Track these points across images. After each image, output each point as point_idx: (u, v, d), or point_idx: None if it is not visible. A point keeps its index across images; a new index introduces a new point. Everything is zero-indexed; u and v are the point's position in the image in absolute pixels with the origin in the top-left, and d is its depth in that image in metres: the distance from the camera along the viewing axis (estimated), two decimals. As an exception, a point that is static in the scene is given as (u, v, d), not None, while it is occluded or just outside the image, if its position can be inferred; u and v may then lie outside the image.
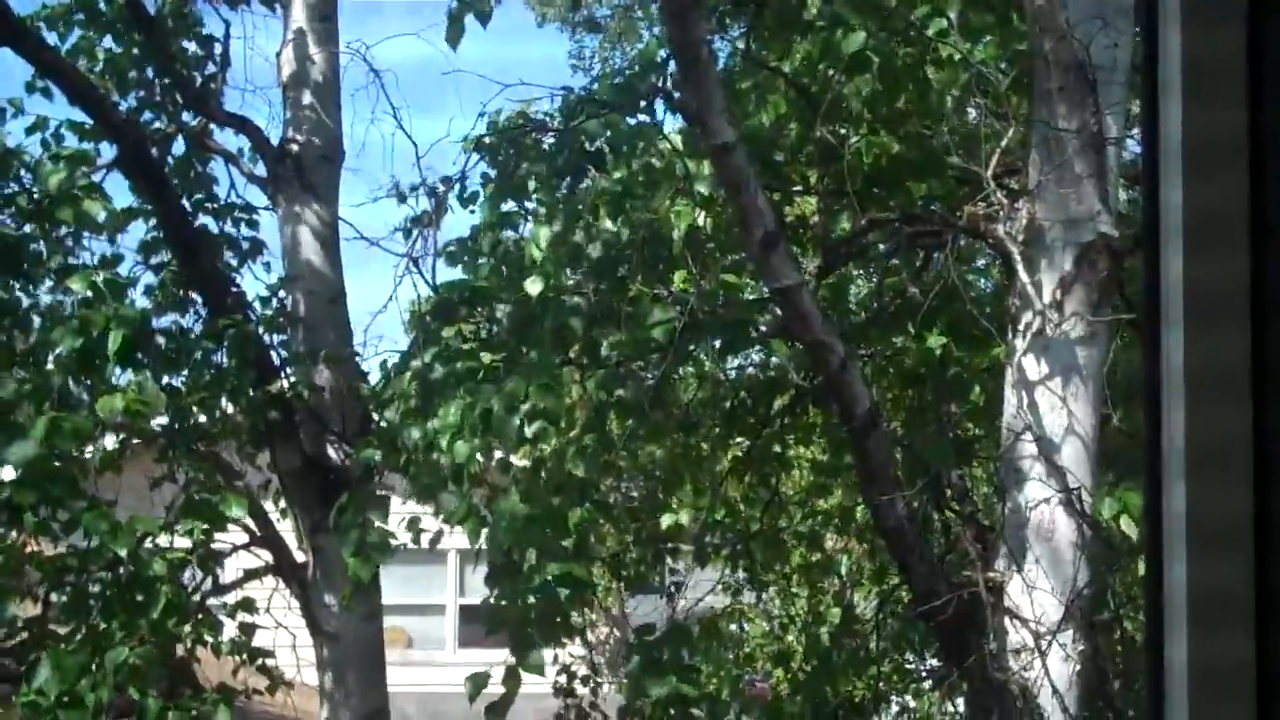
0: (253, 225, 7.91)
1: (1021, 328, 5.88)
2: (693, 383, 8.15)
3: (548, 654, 6.50)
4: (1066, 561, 5.70)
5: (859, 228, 6.78)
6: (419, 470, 6.35)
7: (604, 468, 7.43)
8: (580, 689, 7.20)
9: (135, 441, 7.14)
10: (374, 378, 7.53)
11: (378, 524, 6.61)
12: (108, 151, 7.52)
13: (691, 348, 6.73)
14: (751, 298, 7.37)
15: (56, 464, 6.59)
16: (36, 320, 7.14)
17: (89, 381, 6.72)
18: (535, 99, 7.17)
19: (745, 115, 6.93)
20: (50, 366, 6.72)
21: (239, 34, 8.61)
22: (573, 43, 20.14)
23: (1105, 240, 5.78)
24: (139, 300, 7.28)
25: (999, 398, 6.22)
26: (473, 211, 7.21)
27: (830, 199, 7.18)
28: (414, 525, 6.48)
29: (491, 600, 6.41)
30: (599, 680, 7.43)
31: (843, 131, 6.93)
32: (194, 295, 7.55)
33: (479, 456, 6.33)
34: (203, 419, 7.26)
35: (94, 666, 6.30)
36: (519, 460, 7.02)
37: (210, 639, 6.97)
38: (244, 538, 7.61)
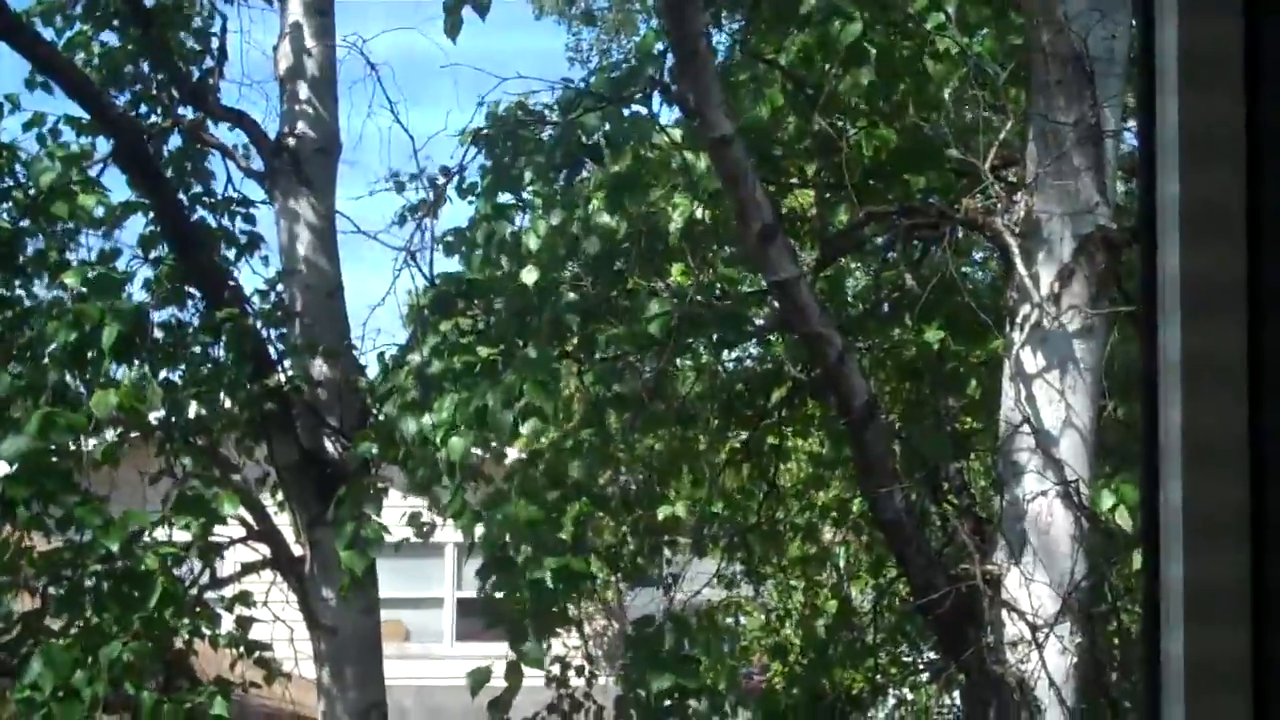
0: (249, 220, 7.91)
1: (1019, 320, 5.87)
2: (690, 376, 8.15)
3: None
4: (1064, 554, 5.70)
5: (857, 221, 6.77)
6: (415, 464, 6.36)
7: (602, 461, 7.43)
8: (575, 679, 7.20)
9: (133, 435, 7.13)
10: (372, 371, 7.54)
11: (373, 517, 6.61)
12: (104, 146, 7.52)
13: (689, 340, 6.72)
14: (749, 290, 7.37)
15: (53, 459, 6.59)
16: (33, 315, 7.13)
17: (86, 376, 6.72)
18: (533, 92, 7.17)
19: (742, 108, 6.92)
20: (46, 361, 6.72)
21: (235, 28, 8.62)
22: (570, 35, 20.12)
23: (1103, 233, 5.78)
24: (136, 295, 7.28)
25: (996, 391, 6.22)
26: (471, 203, 7.21)
27: (828, 192, 7.18)
28: (415, 520, 6.48)
29: (486, 590, 6.41)
30: (594, 671, 7.43)
31: (840, 124, 6.93)
32: (191, 289, 7.54)
33: (476, 451, 6.33)
34: (201, 413, 7.25)
35: (89, 661, 6.30)
36: (516, 452, 7.02)
37: (208, 631, 6.97)
38: (241, 532, 7.61)
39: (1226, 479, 1.18)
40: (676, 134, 7.00)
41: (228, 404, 7.31)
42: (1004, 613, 5.73)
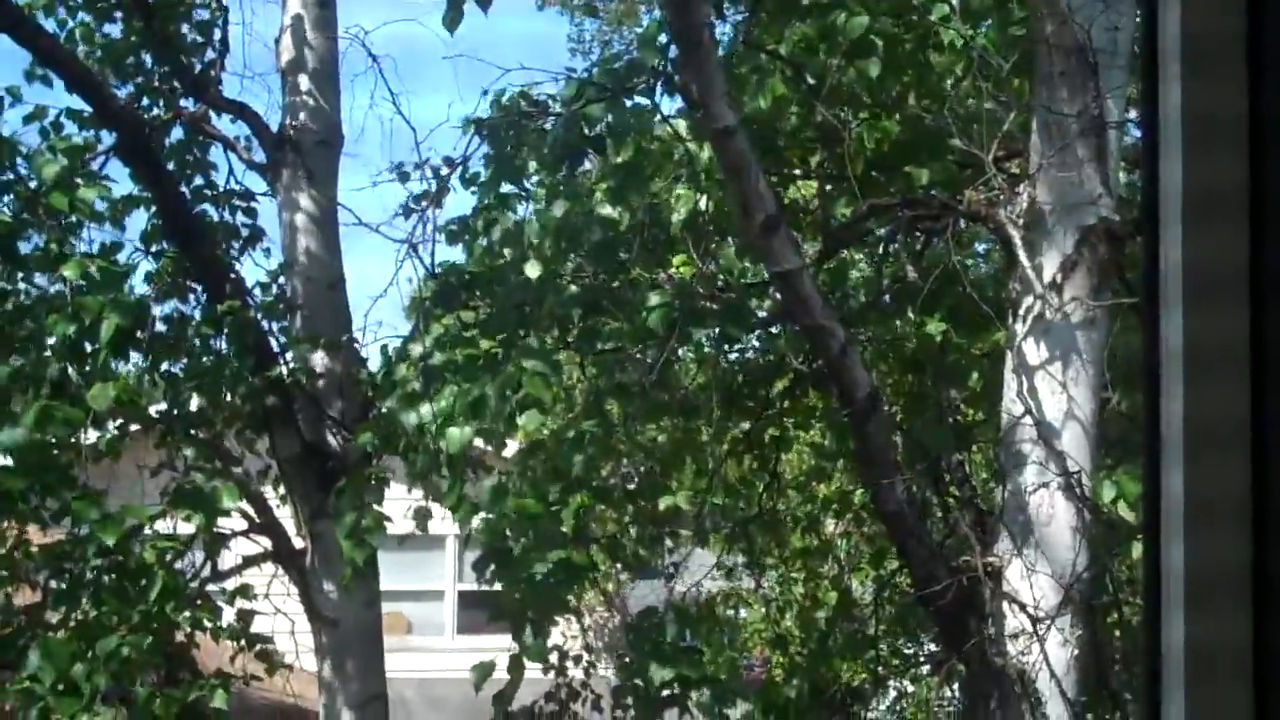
0: (251, 213, 7.90)
1: (1022, 312, 5.87)
2: (692, 367, 8.15)
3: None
4: (1065, 546, 5.70)
5: (859, 213, 6.77)
6: (414, 455, 6.35)
7: (604, 452, 7.43)
8: (572, 668, 7.20)
9: (135, 428, 7.13)
10: (373, 364, 7.53)
11: (374, 507, 6.61)
12: (106, 139, 7.51)
13: (691, 330, 6.72)
14: (751, 282, 7.36)
15: (54, 450, 6.59)
16: (34, 308, 7.13)
17: (86, 369, 6.72)
18: (536, 83, 7.17)
19: (745, 100, 6.91)
20: (47, 354, 6.72)
21: (237, 20, 8.60)
22: (572, 26, 20.10)
23: (1106, 224, 5.77)
24: (139, 287, 7.27)
25: (998, 382, 6.21)
26: (474, 193, 7.20)
27: (830, 183, 7.17)
28: (420, 514, 6.48)
29: (486, 580, 6.41)
30: (592, 660, 7.44)
31: (843, 114, 6.92)
32: (193, 283, 7.53)
33: (479, 443, 6.33)
34: (202, 405, 7.25)
35: (88, 654, 6.30)
36: (517, 445, 7.03)
37: (210, 624, 6.98)
38: (243, 524, 7.61)
39: (1228, 467, 1.18)
40: (680, 125, 6.99)
41: (229, 397, 7.31)
42: (1005, 604, 5.73)
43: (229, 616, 7.23)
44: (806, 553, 8.67)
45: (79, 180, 7.01)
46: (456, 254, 7.29)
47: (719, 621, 8.02)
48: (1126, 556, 5.98)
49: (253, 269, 18.26)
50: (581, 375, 7.85)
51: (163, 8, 7.76)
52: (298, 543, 7.68)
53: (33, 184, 7.09)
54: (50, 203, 6.88)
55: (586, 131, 6.83)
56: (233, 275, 7.66)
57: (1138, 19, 5.83)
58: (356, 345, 7.63)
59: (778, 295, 6.65)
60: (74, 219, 7.14)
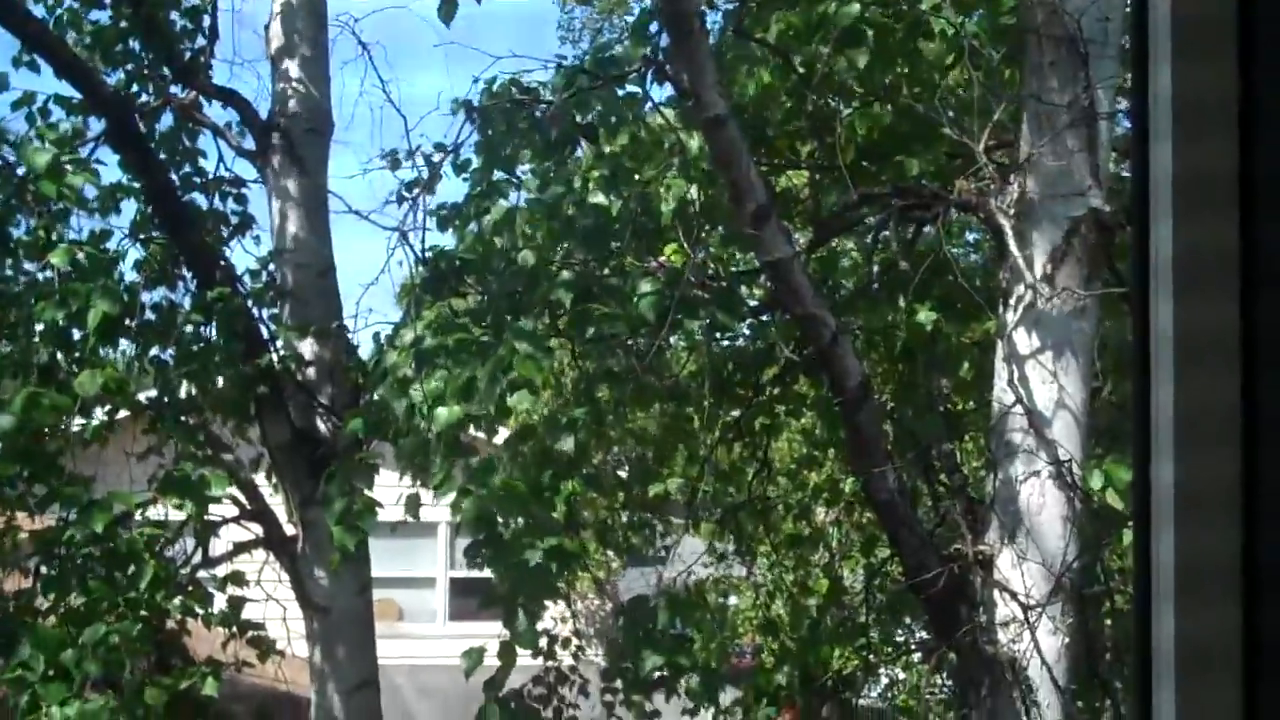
0: (241, 200, 7.87)
1: (1012, 301, 5.87)
2: (683, 355, 8.15)
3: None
4: (1056, 534, 5.71)
5: (850, 202, 6.76)
6: (404, 439, 6.34)
7: (594, 438, 7.43)
8: (560, 651, 7.21)
9: (122, 415, 7.12)
10: (364, 351, 7.52)
11: (365, 492, 6.60)
12: (95, 126, 7.48)
13: (680, 317, 6.72)
14: (742, 270, 7.36)
15: (45, 435, 6.58)
16: (22, 295, 7.10)
17: (75, 356, 6.71)
18: (527, 71, 7.15)
19: (737, 89, 6.90)
20: (36, 340, 6.70)
21: (226, 6, 8.57)
22: (563, 14, 20.03)
23: (1096, 214, 5.77)
24: (128, 275, 7.25)
25: (989, 371, 6.22)
26: (465, 179, 7.20)
27: (821, 173, 7.17)
28: (411, 501, 6.48)
29: (475, 566, 6.41)
30: (581, 645, 7.45)
31: (834, 103, 6.91)
32: (182, 270, 7.51)
33: (473, 433, 6.33)
34: (191, 392, 7.24)
35: (77, 641, 6.30)
36: (507, 430, 7.02)
37: (200, 611, 6.97)
38: (234, 511, 7.61)
39: (1219, 457, 1.17)
40: (670, 114, 6.98)
41: (220, 383, 7.29)
42: (996, 593, 5.75)
43: (220, 603, 7.22)
44: (797, 540, 8.67)
45: (68, 167, 6.99)
46: (448, 241, 7.28)
47: (709, 608, 8.01)
48: (1117, 545, 5.99)
49: (242, 256, 18.22)
50: (573, 362, 7.85)
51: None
52: (289, 529, 7.67)
53: (20, 170, 7.06)
54: (40, 189, 6.85)
55: (578, 119, 6.81)
56: (222, 262, 7.65)
57: (1127, 9, 5.83)
58: (347, 332, 7.63)
59: (769, 284, 6.65)
60: (62, 206, 7.11)
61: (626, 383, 7.10)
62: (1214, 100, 1.21)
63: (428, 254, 7.09)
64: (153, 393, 7.28)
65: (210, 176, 7.82)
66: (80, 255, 6.77)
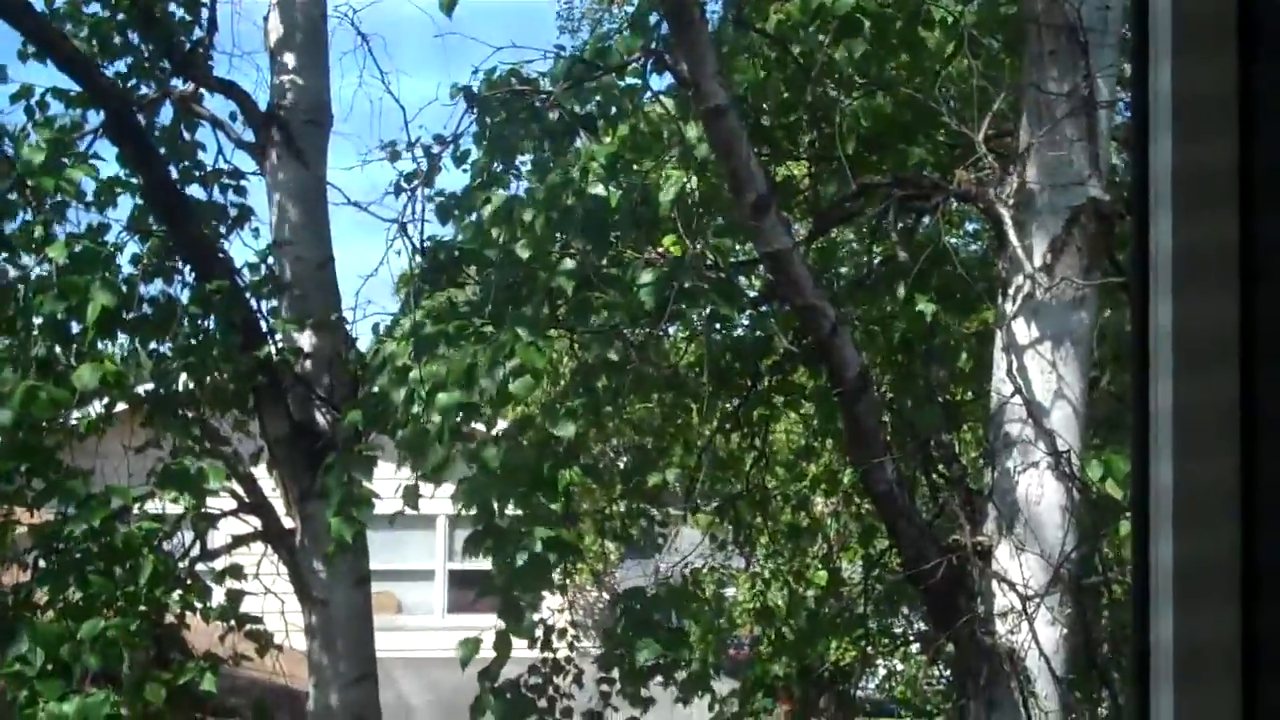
0: (240, 192, 7.86)
1: (1011, 291, 5.87)
2: (682, 345, 8.14)
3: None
4: (1054, 525, 5.71)
5: (850, 192, 6.75)
6: (404, 428, 6.33)
7: (593, 427, 7.43)
8: (556, 641, 7.22)
9: (120, 408, 7.11)
10: (362, 344, 7.51)
11: (363, 483, 6.60)
12: (94, 119, 7.46)
13: (682, 306, 6.72)
14: (741, 260, 7.36)
15: (44, 429, 6.57)
16: (20, 288, 7.09)
17: (75, 349, 6.70)
18: (527, 61, 7.14)
19: (736, 79, 6.88)
20: (35, 333, 6.69)
21: (225, -2, 8.55)
22: (562, 4, 19.97)
23: (1095, 204, 5.76)
24: (125, 268, 7.23)
25: (987, 362, 6.21)
26: (465, 170, 7.19)
27: (821, 163, 7.15)
28: (410, 492, 6.48)
29: (472, 553, 6.41)
30: (577, 635, 7.46)
31: (833, 92, 6.90)
32: (181, 263, 7.50)
33: (475, 426, 6.33)
34: (189, 385, 7.23)
35: (75, 636, 6.29)
36: (504, 422, 7.02)
37: (199, 604, 6.97)
38: (232, 504, 7.60)
39: (1218, 455, 1.17)
40: (669, 103, 6.96)
41: (218, 375, 7.28)
42: (994, 583, 5.74)
43: (218, 597, 7.22)
44: (795, 531, 8.68)
45: (65, 160, 6.97)
46: (447, 232, 7.27)
47: (706, 600, 8.01)
48: (1114, 536, 5.98)
49: (241, 249, 18.20)
50: (571, 352, 7.84)
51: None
52: (287, 522, 7.67)
53: (18, 165, 7.04)
54: (40, 184, 6.84)
55: (578, 110, 6.80)
56: (221, 255, 7.63)
57: (1128, -2, 5.82)
58: (345, 324, 7.62)
59: (768, 275, 6.64)
60: (60, 199, 7.10)
61: (625, 372, 7.10)
62: (1214, 95, 1.20)
63: (426, 245, 7.08)
64: (151, 386, 7.27)
65: (209, 169, 7.80)
66: (78, 248, 6.76)
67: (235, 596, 7.19)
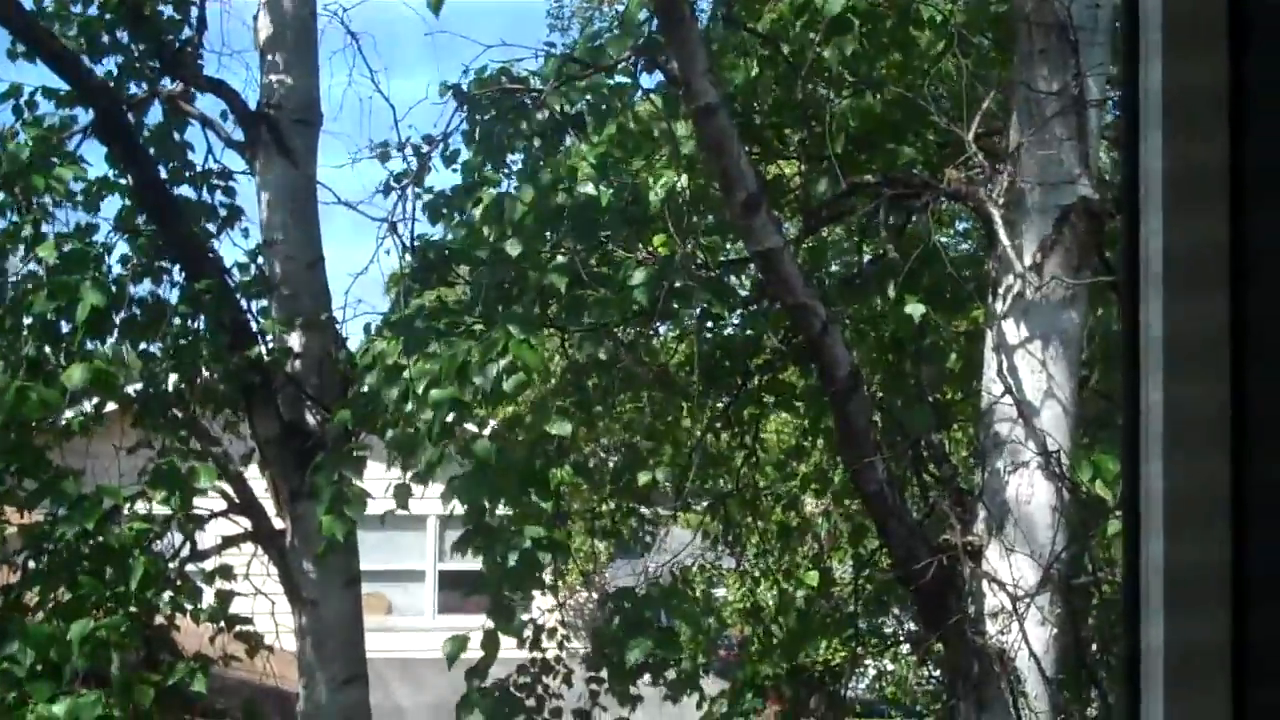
0: (229, 192, 7.83)
1: (1002, 290, 5.86)
2: (672, 345, 8.13)
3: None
4: (1044, 525, 5.71)
5: (840, 191, 6.75)
6: (395, 422, 6.32)
7: (583, 425, 7.42)
8: (546, 641, 7.21)
9: (109, 408, 7.09)
10: (353, 343, 7.49)
11: (353, 481, 6.58)
12: (83, 118, 7.44)
13: (675, 305, 6.71)
14: (732, 259, 7.35)
15: (33, 430, 6.55)
16: (9, 288, 7.07)
17: (64, 348, 6.68)
18: (518, 60, 7.13)
19: (726, 77, 6.87)
20: (25, 333, 6.66)
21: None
22: (553, 2, 19.94)
23: (1085, 203, 5.76)
24: (115, 268, 7.21)
25: (977, 361, 6.21)
26: (455, 170, 7.18)
27: (811, 162, 7.15)
28: (400, 492, 6.46)
29: (461, 551, 6.40)
30: (566, 635, 7.45)
31: (823, 91, 6.89)
32: (171, 262, 7.48)
33: (468, 428, 6.32)
34: (179, 385, 7.21)
35: (65, 636, 6.27)
36: (494, 421, 7.01)
37: (190, 606, 6.95)
38: (222, 505, 7.58)
39: (1209, 460, 1.16)
40: (658, 100, 6.95)
41: (206, 375, 7.26)
42: (985, 583, 5.74)
43: (208, 597, 7.20)
44: (786, 530, 8.67)
45: (54, 160, 6.95)
46: (437, 232, 7.26)
47: (695, 600, 8.00)
48: (1104, 536, 5.98)
49: (231, 249, 18.14)
50: (562, 352, 7.83)
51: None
52: (277, 523, 7.65)
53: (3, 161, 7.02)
54: (31, 182, 6.81)
55: (568, 109, 6.79)
56: (210, 255, 7.61)
57: (1118, -3, 5.82)
58: (335, 324, 7.60)
59: (759, 274, 6.63)
60: (48, 199, 7.07)
61: (615, 371, 7.09)
62: (1205, 96, 1.20)
63: (416, 244, 7.07)
64: (140, 385, 7.25)
65: (199, 169, 7.78)
66: (67, 248, 6.73)
67: (225, 597, 7.18)
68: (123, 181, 7.48)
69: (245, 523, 7.67)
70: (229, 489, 7.51)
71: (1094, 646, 6.75)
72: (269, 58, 7.83)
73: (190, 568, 7.27)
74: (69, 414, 6.82)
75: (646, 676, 6.91)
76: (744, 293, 7.59)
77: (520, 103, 6.98)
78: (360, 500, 6.55)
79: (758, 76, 6.85)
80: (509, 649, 6.63)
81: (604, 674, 7.02)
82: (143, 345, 7.20)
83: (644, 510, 8.50)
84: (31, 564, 6.82)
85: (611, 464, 8.25)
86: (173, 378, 7.21)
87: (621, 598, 7.05)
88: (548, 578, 6.69)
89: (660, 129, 6.85)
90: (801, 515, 8.83)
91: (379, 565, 13.14)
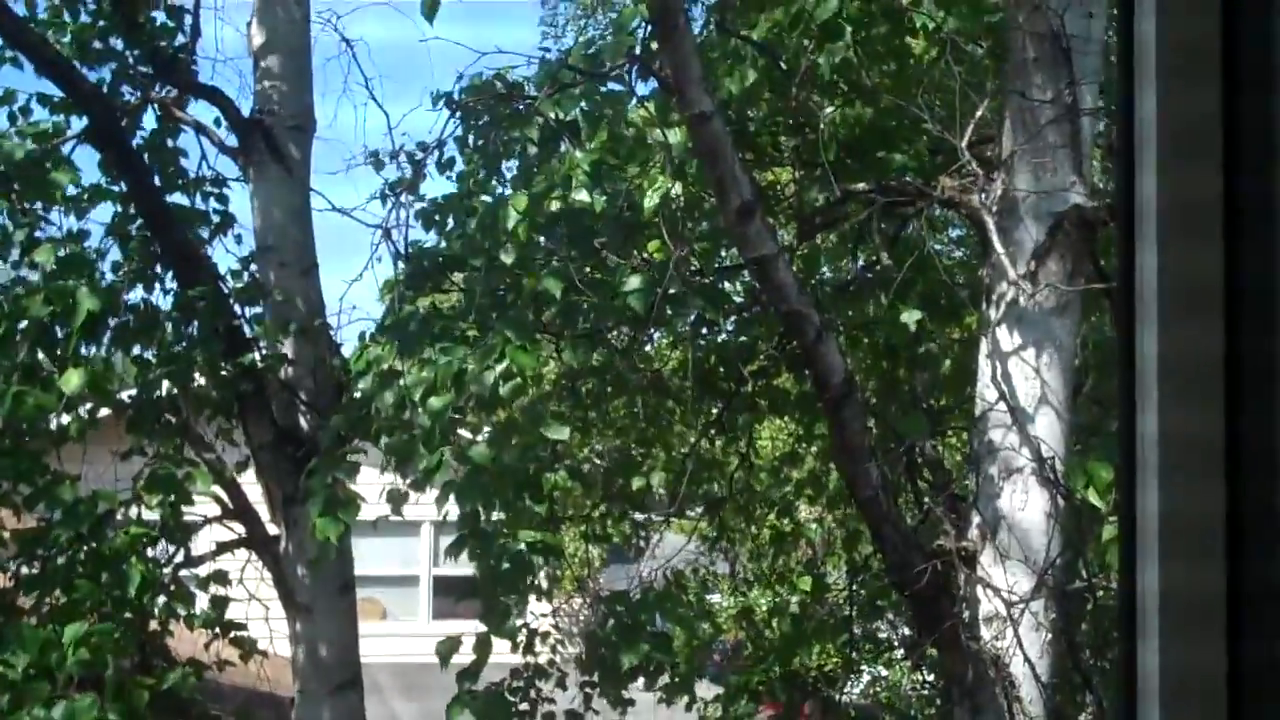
0: (222, 200, 7.83)
1: (995, 298, 5.88)
2: (666, 351, 8.14)
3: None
4: (1039, 531, 5.72)
5: (834, 198, 6.76)
6: (391, 428, 6.32)
7: (578, 432, 7.42)
8: (539, 645, 7.22)
9: (103, 414, 7.09)
10: (347, 350, 7.50)
11: (347, 484, 6.59)
12: (76, 125, 7.44)
13: (669, 311, 6.72)
14: (726, 266, 7.36)
15: (27, 438, 6.55)
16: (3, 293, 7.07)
17: (58, 353, 6.68)
18: (513, 67, 7.14)
19: (719, 85, 6.89)
20: (17, 338, 6.66)
21: (209, 2, 8.52)
22: (545, 10, 19.97)
23: (1079, 211, 5.78)
24: (108, 275, 7.21)
25: (971, 368, 6.22)
26: (449, 178, 7.18)
27: (804, 170, 7.16)
28: (394, 497, 6.47)
29: (453, 553, 6.41)
30: (560, 639, 7.46)
31: (816, 99, 6.91)
32: (164, 269, 7.48)
33: (462, 431, 6.32)
34: (173, 391, 7.21)
35: (59, 641, 6.28)
36: (487, 427, 7.02)
37: (184, 612, 6.95)
38: (216, 510, 7.58)
39: (1204, 485, 1.17)
40: (652, 107, 6.97)
41: (201, 381, 7.27)
42: (979, 589, 5.75)
43: (203, 603, 7.20)
44: (780, 536, 8.68)
45: (48, 165, 6.95)
46: (431, 239, 7.27)
47: (689, 605, 8.01)
48: (1098, 542, 6.00)
49: (224, 256, 18.14)
50: (557, 357, 7.84)
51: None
52: (272, 529, 7.65)
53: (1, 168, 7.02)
54: (30, 184, 6.82)
55: (562, 116, 6.80)
56: (204, 261, 7.61)
57: (1111, 8, 5.84)
58: (329, 330, 7.60)
59: (754, 281, 6.64)
60: (39, 205, 7.07)
61: (609, 376, 7.09)
62: (1199, 125, 1.21)
63: (411, 248, 7.08)
64: (133, 391, 7.24)
65: (192, 176, 7.78)
66: (64, 252, 6.73)
67: (220, 603, 7.18)
68: (115, 188, 7.48)
69: (240, 528, 7.67)
70: (223, 495, 7.51)
71: (1088, 652, 6.76)
72: (263, 64, 7.84)
73: (185, 573, 7.27)
74: (65, 418, 6.82)
75: (639, 680, 6.92)
76: (738, 299, 7.60)
77: (514, 109, 6.99)
78: (354, 504, 6.55)
79: (752, 84, 6.86)
80: (504, 655, 6.64)
81: (597, 677, 7.03)
82: (136, 351, 7.20)
83: (637, 516, 8.52)
84: (25, 569, 6.82)
85: (605, 469, 8.26)
86: (165, 384, 7.21)
87: (615, 602, 7.06)
88: (543, 582, 6.70)
89: (654, 136, 6.86)
90: (795, 521, 8.84)
91: (374, 571, 13.14)
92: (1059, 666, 5.94)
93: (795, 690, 7.72)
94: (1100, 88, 5.94)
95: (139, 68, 7.73)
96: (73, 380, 6.40)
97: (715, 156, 5.80)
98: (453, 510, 6.35)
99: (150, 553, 6.92)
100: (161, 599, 6.84)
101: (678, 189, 6.71)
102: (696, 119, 5.76)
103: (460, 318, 6.60)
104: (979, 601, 5.77)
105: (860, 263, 7.51)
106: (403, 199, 7.02)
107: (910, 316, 6.24)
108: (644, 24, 6.59)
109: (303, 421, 7.47)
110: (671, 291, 6.51)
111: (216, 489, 7.32)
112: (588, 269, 6.88)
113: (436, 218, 7.13)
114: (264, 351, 7.43)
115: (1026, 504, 5.74)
